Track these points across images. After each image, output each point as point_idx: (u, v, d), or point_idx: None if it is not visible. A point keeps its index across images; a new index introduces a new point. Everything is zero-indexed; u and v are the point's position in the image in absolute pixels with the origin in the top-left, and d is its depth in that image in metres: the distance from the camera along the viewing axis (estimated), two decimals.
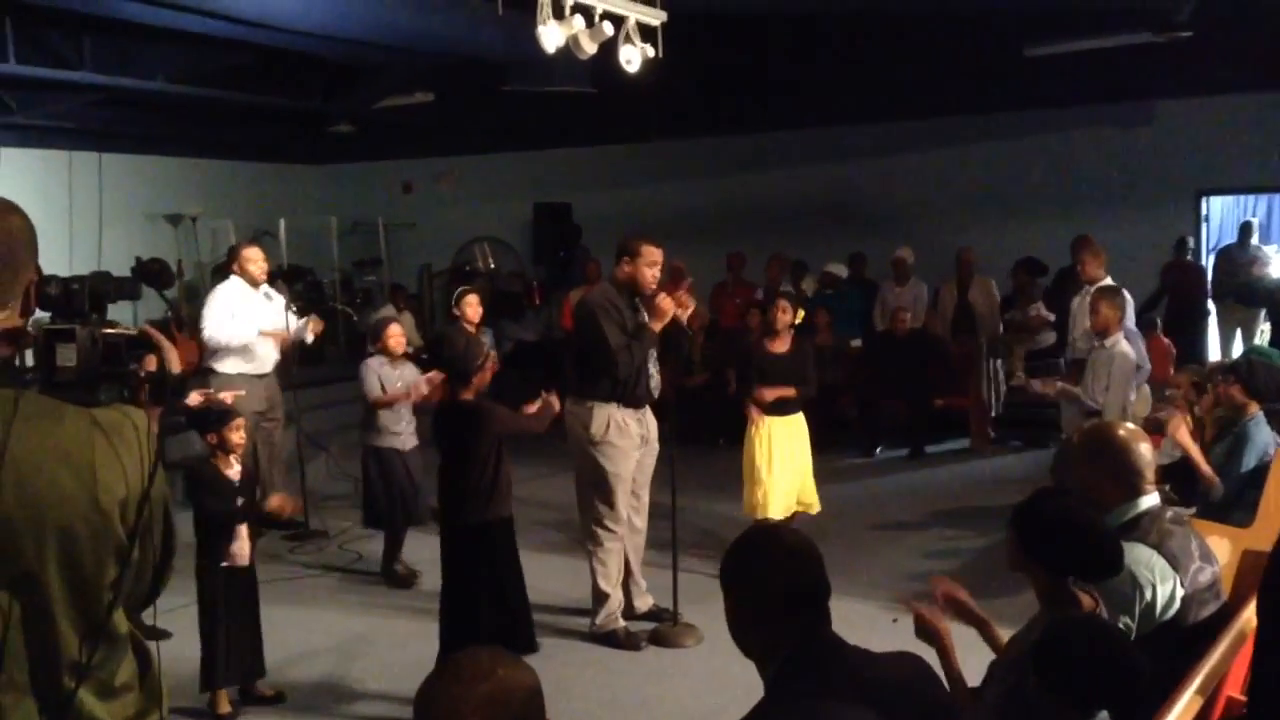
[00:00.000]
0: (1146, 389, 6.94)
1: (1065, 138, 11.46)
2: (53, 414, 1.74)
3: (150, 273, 2.09)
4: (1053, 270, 10.25)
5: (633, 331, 5.38)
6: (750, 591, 2.29)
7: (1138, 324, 7.58)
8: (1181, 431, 5.14)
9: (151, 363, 2.00)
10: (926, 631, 2.97)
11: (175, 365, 2.04)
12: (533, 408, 5.16)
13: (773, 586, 2.24)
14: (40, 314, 1.97)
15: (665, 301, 5.37)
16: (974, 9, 7.95)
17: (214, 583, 4.75)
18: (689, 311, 5.61)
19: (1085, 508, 2.80)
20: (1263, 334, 10.78)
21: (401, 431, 6.58)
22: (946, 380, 9.83)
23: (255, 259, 7.35)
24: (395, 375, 6.59)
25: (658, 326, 5.38)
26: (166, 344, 2.03)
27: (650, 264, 5.40)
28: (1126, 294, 7.14)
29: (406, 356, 6.80)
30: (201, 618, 4.77)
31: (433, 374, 6.48)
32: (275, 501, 5.00)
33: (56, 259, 9.18)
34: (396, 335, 6.67)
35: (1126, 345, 6.45)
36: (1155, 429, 6.41)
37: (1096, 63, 8.61)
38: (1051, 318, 9.68)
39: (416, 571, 6.56)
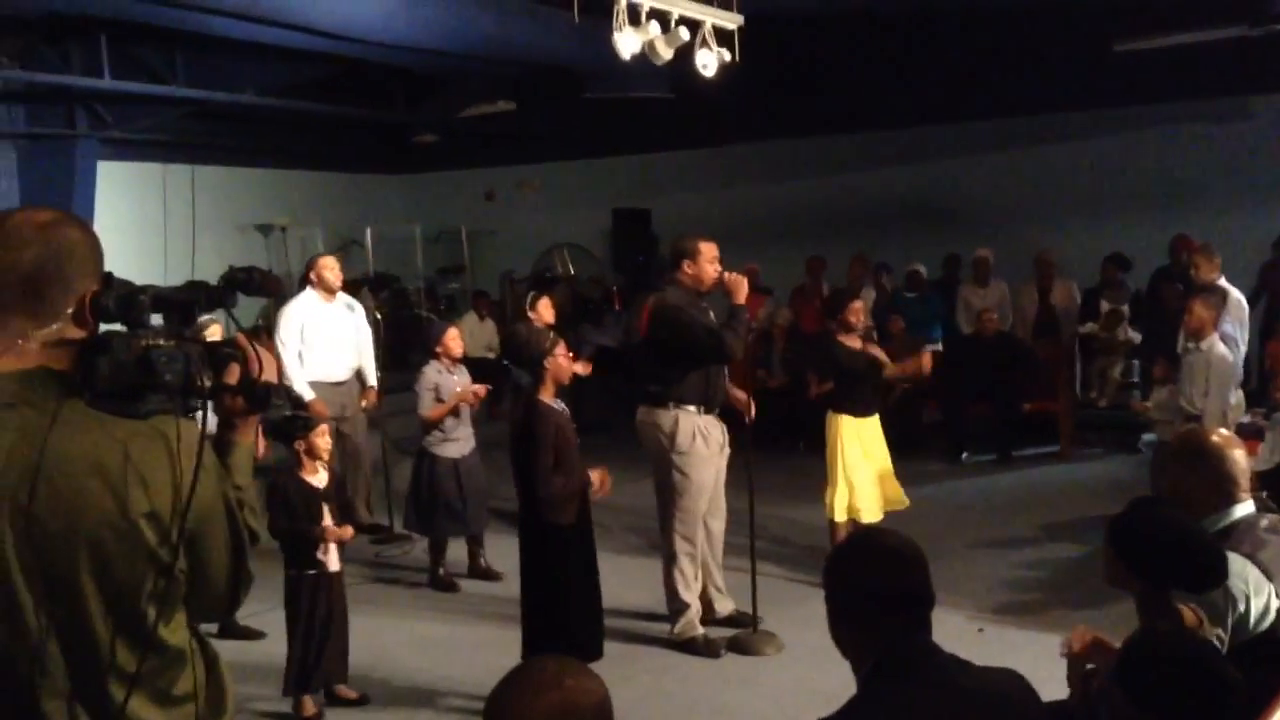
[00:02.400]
0: (1240, 393, 6.71)
1: (1157, 135, 11.15)
2: (89, 425, 1.75)
3: (235, 281, 2.09)
4: (1146, 270, 9.97)
5: (725, 323, 5.35)
6: (848, 591, 2.29)
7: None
8: None
9: (235, 372, 1.97)
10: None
11: (261, 373, 2.01)
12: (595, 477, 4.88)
13: (870, 587, 2.24)
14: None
15: (733, 275, 5.36)
16: (1061, 4, 7.79)
17: (298, 588, 4.83)
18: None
19: (1183, 517, 2.73)
20: None
21: (459, 438, 6.64)
22: (1034, 383, 9.62)
23: (329, 266, 7.44)
24: (453, 382, 6.63)
25: (742, 300, 5.35)
26: (253, 354, 2.00)
27: (710, 260, 5.39)
28: (1237, 296, 6.90)
29: (468, 361, 6.90)
30: (288, 622, 4.85)
31: (479, 386, 6.63)
32: (336, 532, 4.92)
33: (151, 270, 9.46)
34: (454, 339, 6.75)
35: (1223, 348, 6.26)
36: (1253, 434, 6.21)
37: (1189, 57, 8.37)
38: (1136, 340, 9.43)
39: (457, 580, 6.69)
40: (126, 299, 1.83)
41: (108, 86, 8.45)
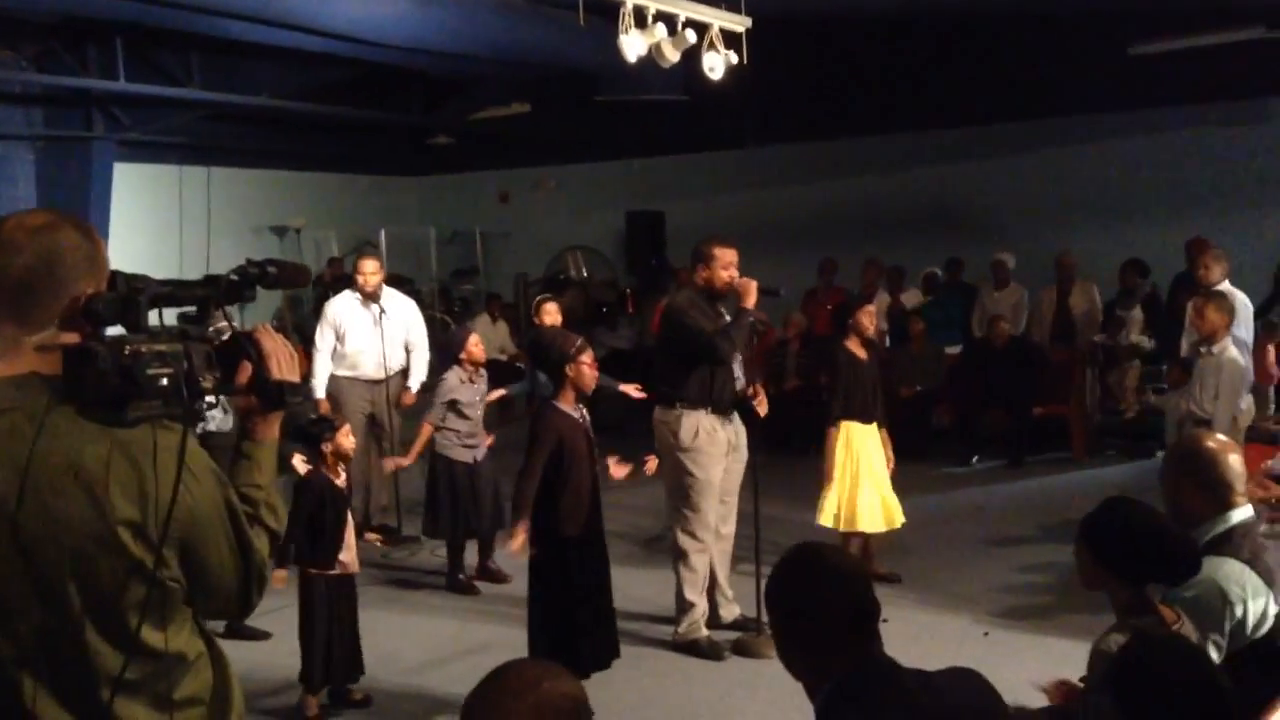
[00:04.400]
0: (1250, 397, 6.66)
1: (1173, 138, 11.09)
2: (75, 432, 1.73)
3: (249, 275, 2.04)
4: (1165, 274, 9.91)
5: (724, 326, 5.36)
6: (797, 612, 2.24)
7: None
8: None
9: (247, 370, 1.93)
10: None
11: (276, 371, 1.95)
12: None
13: (820, 607, 2.19)
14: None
15: (742, 279, 5.36)
16: (1076, 8, 7.78)
17: (316, 588, 4.81)
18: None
19: (1154, 512, 2.72)
20: None
21: (474, 443, 6.64)
22: (1047, 388, 9.58)
23: (363, 270, 7.46)
24: (473, 392, 6.61)
25: (751, 303, 5.35)
26: (269, 349, 1.95)
27: (725, 266, 5.40)
28: (1243, 299, 6.86)
29: (497, 364, 6.90)
30: (302, 622, 4.83)
31: (497, 392, 6.64)
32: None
33: (167, 270, 9.52)
34: (478, 344, 6.74)
35: (1235, 351, 6.21)
36: (1264, 439, 6.17)
37: (1206, 60, 8.34)
38: (1149, 345, 9.37)
39: (476, 581, 6.69)
40: (121, 301, 1.80)
41: (124, 89, 8.53)
